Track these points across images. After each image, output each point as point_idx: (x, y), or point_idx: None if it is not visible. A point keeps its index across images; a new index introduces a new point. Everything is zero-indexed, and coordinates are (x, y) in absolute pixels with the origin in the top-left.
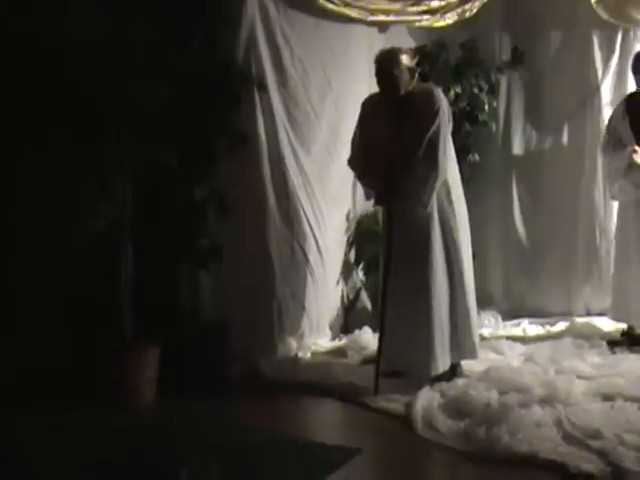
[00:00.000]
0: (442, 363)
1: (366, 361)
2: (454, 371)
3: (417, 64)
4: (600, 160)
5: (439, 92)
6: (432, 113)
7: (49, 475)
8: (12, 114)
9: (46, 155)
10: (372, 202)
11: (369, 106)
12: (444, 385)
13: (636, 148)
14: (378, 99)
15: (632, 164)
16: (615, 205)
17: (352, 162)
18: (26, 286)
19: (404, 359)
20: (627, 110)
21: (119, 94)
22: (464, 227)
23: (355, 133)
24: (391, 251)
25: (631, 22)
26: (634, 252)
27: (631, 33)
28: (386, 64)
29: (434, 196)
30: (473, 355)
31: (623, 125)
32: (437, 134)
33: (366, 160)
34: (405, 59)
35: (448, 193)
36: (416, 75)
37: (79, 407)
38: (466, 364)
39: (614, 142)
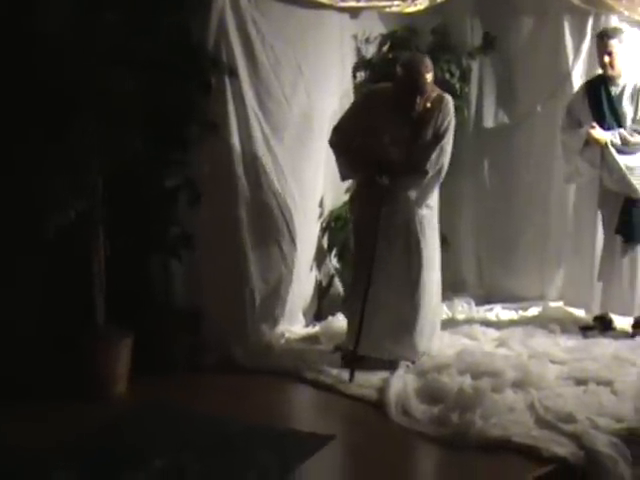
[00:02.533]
0: (422, 349)
1: (339, 348)
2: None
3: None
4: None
5: (450, 99)
6: (447, 122)
7: (19, 466)
8: None
9: (13, 146)
10: (344, 189)
11: (370, 100)
12: (417, 370)
13: (593, 124)
14: (386, 97)
15: (588, 142)
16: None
17: (337, 141)
18: None
19: (382, 345)
20: (587, 93)
21: (88, 82)
22: (435, 225)
23: (347, 116)
24: (377, 236)
25: (602, 7)
26: (586, 235)
27: (602, 18)
28: (417, 70)
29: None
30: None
31: (583, 107)
32: (448, 143)
33: (359, 148)
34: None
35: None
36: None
37: (52, 398)
38: (441, 349)
39: (572, 122)
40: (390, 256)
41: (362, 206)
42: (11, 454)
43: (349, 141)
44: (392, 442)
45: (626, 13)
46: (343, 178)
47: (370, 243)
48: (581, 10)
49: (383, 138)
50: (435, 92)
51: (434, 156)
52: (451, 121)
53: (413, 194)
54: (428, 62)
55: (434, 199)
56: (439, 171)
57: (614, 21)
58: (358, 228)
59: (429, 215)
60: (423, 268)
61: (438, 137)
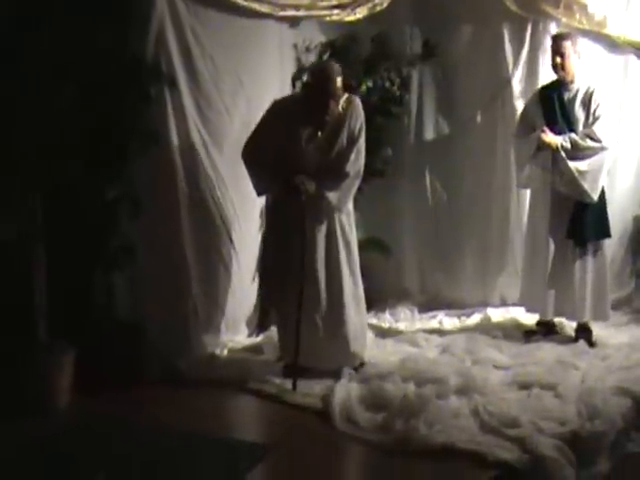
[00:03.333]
0: (360, 356)
1: (282, 357)
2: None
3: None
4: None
5: (359, 100)
6: (360, 123)
7: None
8: None
9: None
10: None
11: (280, 108)
12: (360, 378)
13: (544, 128)
14: (293, 105)
15: (540, 147)
16: (528, 194)
17: (251, 154)
18: None
19: (320, 358)
20: (541, 98)
21: (24, 95)
22: (353, 230)
23: (260, 128)
24: (307, 248)
25: (540, 14)
26: (541, 240)
27: (540, 25)
28: (325, 77)
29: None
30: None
31: (537, 111)
32: (363, 144)
33: (275, 159)
34: (339, 75)
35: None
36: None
37: None
38: (382, 357)
39: (526, 128)
40: (314, 264)
41: (282, 218)
42: None
43: (262, 154)
44: (337, 450)
45: (564, 20)
46: (259, 193)
47: (295, 252)
48: (520, 17)
49: (297, 145)
50: (344, 95)
51: (352, 157)
52: (363, 122)
53: (335, 198)
54: (337, 68)
55: (350, 206)
56: (358, 172)
57: (552, 28)
58: (278, 238)
59: (348, 221)
60: (348, 274)
61: (353, 139)
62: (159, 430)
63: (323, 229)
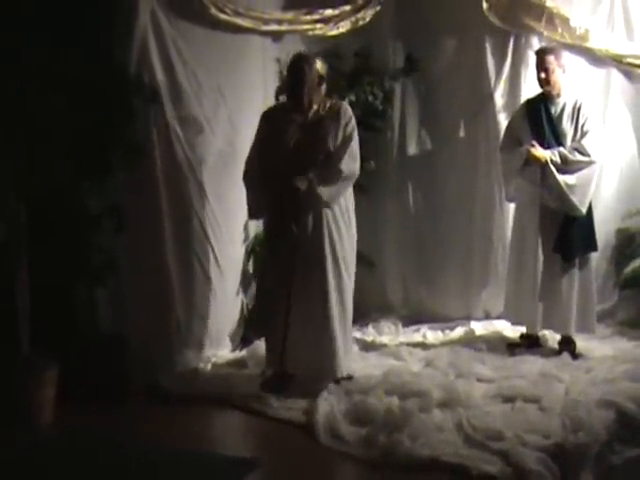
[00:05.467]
0: (345, 365)
1: (266, 372)
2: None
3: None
4: (497, 162)
5: (347, 105)
6: (351, 125)
7: None
8: None
9: None
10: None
11: (269, 116)
12: (343, 391)
13: (533, 142)
14: (280, 109)
15: (528, 161)
16: (511, 208)
17: (250, 175)
18: None
19: (306, 362)
20: (527, 111)
21: (10, 104)
22: (351, 244)
23: (255, 144)
24: (295, 257)
25: (522, 28)
26: (528, 254)
27: (522, 39)
28: (299, 61)
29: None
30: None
31: (522, 125)
32: (356, 145)
33: (264, 172)
34: (318, 64)
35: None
36: (324, 85)
37: None
38: (366, 370)
39: (512, 141)
40: (303, 268)
41: (276, 223)
42: None
43: (262, 171)
44: (321, 464)
45: (546, 34)
46: (254, 216)
47: (286, 257)
48: (502, 31)
49: (283, 143)
50: (331, 100)
51: (346, 157)
52: (354, 124)
53: (326, 193)
54: (309, 56)
55: (350, 211)
56: (352, 172)
57: (535, 42)
58: (273, 243)
59: (342, 224)
60: (332, 274)
61: (345, 138)
62: (143, 445)
63: (310, 225)
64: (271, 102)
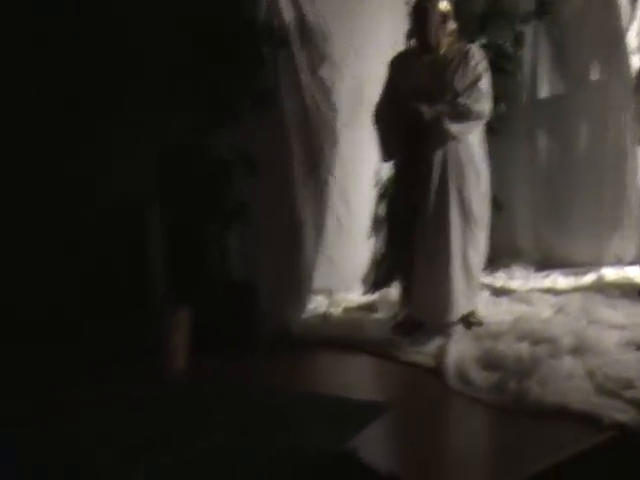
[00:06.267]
0: (463, 311)
1: (398, 315)
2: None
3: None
4: (629, 105)
5: (476, 47)
6: (481, 66)
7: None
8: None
9: (69, 114)
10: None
11: (398, 61)
12: (474, 337)
13: None
14: (408, 54)
15: None
16: None
17: (380, 117)
18: (57, 250)
19: (428, 307)
20: None
21: (150, 51)
22: (480, 193)
23: (386, 87)
24: (422, 200)
25: None
26: None
27: None
28: (422, 1)
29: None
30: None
31: None
32: (487, 85)
33: (393, 115)
34: (442, 3)
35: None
36: (450, 24)
37: (108, 369)
38: (497, 316)
39: None
40: (429, 212)
41: (412, 173)
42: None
43: (392, 114)
44: (450, 409)
45: None
46: (386, 158)
47: (413, 200)
48: None
49: (414, 83)
50: (461, 42)
51: (475, 96)
52: (486, 66)
53: (455, 128)
54: None
55: (480, 155)
56: (481, 112)
57: None
58: (402, 185)
59: (472, 170)
60: (457, 214)
61: (475, 81)
62: (271, 390)
63: (438, 167)
64: (401, 47)
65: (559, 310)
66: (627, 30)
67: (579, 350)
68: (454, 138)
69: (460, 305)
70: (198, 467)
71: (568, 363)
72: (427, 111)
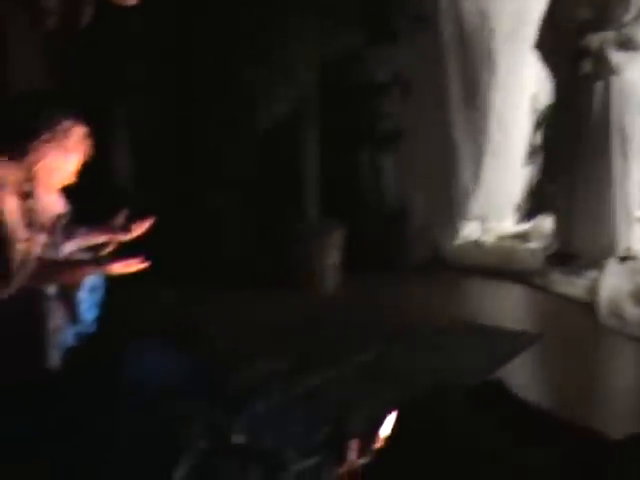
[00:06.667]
0: (625, 243)
1: (552, 246)
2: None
3: None
4: None
5: None
6: None
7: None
8: None
9: (224, 34)
10: None
11: None
12: (628, 271)
13: None
14: None
15: None
16: None
17: (543, 43)
18: (209, 173)
19: (587, 239)
20: None
21: None
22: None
23: (544, 15)
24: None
25: None
26: None
27: None
28: None
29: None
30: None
31: None
32: None
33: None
34: None
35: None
36: None
37: (260, 286)
38: None
39: None
40: (589, 142)
41: (571, 98)
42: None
43: (555, 40)
44: (601, 345)
45: None
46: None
47: (573, 129)
48: None
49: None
50: None
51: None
52: None
53: (616, 58)
54: None
55: None
56: None
57: None
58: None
59: (637, 101)
60: (619, 157)
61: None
62: (422, 314)
63: (598, 97)
64: None
65: None
66: None
67: None
68: (616, 69)
69: (620, 239)
70: (360, 380)
71: None
72: (591, 40)
